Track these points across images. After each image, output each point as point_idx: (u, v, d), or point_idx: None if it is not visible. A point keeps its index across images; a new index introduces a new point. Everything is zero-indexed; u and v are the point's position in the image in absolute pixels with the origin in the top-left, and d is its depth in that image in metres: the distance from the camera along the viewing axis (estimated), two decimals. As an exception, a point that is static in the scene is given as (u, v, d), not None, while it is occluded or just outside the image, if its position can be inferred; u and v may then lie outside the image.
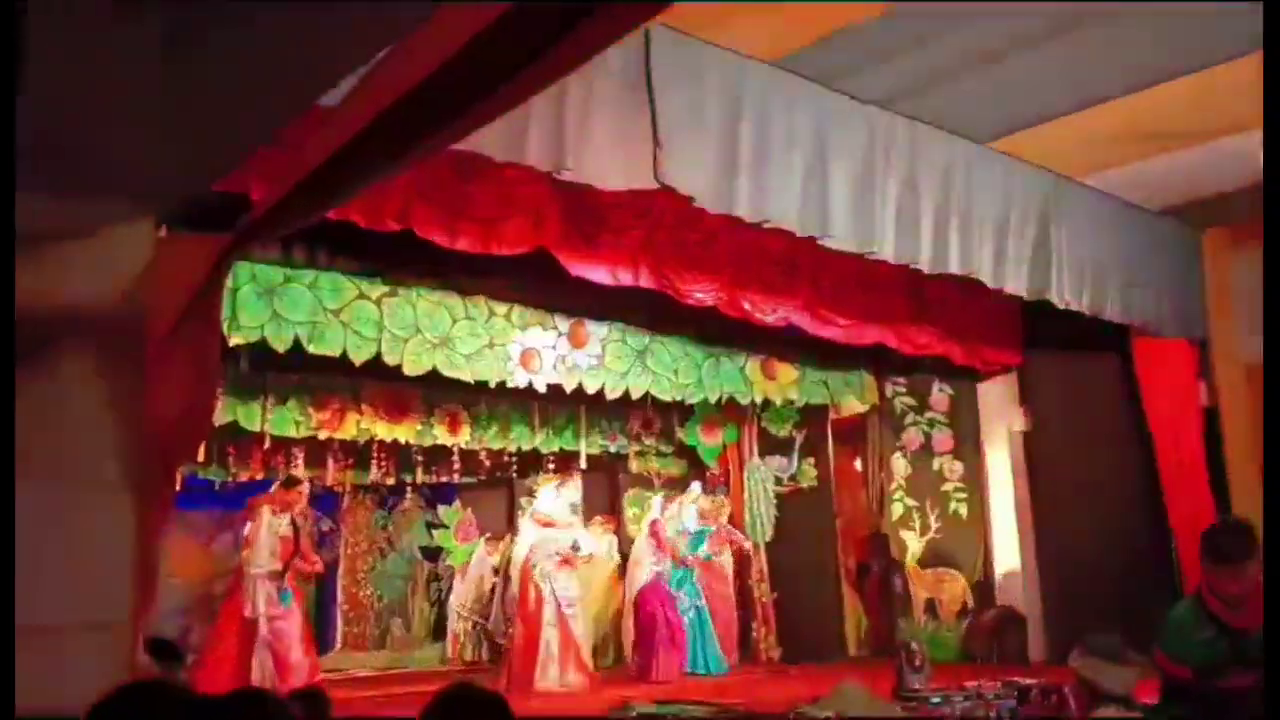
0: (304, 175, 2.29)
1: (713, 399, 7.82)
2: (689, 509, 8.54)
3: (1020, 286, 5.83)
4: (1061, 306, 5.99)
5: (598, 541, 8.66)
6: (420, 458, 9.63)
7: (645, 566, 8.14)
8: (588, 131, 4.22)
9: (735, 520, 8.94)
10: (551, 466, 9.41)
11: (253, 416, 7.37)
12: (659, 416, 9.17)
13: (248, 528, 7.19)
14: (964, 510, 8.53)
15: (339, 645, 11.13)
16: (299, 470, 8.70)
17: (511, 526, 9.80)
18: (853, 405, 8.78)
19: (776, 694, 6.44)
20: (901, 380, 8.76)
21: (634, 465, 9.68)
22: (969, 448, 8.57)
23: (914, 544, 8.61)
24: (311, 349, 5.77)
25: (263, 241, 4.31)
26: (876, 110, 5.13)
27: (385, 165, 2.35)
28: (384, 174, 2.48)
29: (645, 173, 4.32)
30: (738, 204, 4.57)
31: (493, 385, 6.71)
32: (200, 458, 7.99)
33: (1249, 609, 3.18)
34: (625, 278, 5.66)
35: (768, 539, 8.92)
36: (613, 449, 9.43)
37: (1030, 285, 5.86)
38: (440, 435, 8.41)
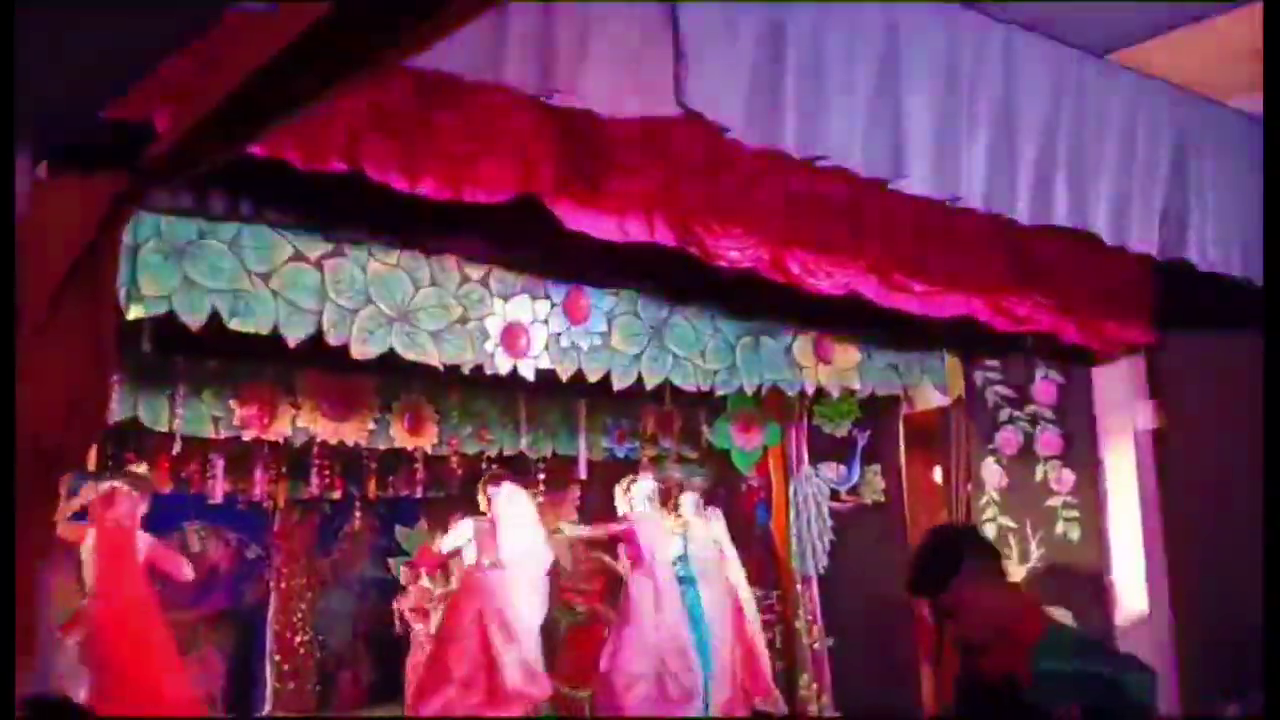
0: (221, 97, 2.28)
1: (750, 389, 7.81)
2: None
3: (1149, 243, 5.78)
4: (1204, 269, 5.94)
5: None
6: (373, 465, 9.68)
7: None
8: (588, 41, 4.20)
9: (779, 543, 8.95)
10: (542, 476, 9.44)
11: (158, 412, 7.40)
12: (680, 412, 9.18)
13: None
14: (1075, 532, 8.52)
15: (269, 707, 11.19)
16: (217, 480, 8.79)
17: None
18: (931, 397, 8.76)
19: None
20: (995, 364, 8.74)
21: (648, 473, 9.70)
22: (1082, 451, 8.55)
23: (1011, 576, 8.59)
24: (234, 325, 5.77)
25: (170, 184, 4.31)
26: (963, 11, 5.09)
27: (326, 84, 2.34)
28: (324, 95, 2.47)
29: (664, 96, 4.30)
30: (784, 136, 4.54)
31: (466, 371, 6.71)
32: (90, 464, 8.03)
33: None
34: (638, 232, 5.64)
35: (821, 569, 8.93)
36: (620, 453, 9.45)
37: (1162, 242, 5.81)
38: (399, 437, 8.44)
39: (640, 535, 8.76)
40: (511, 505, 8.39)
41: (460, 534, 8.82)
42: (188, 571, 8.69)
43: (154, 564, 8.32)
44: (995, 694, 3.25)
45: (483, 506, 8.53)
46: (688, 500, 9.24)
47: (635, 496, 8.97)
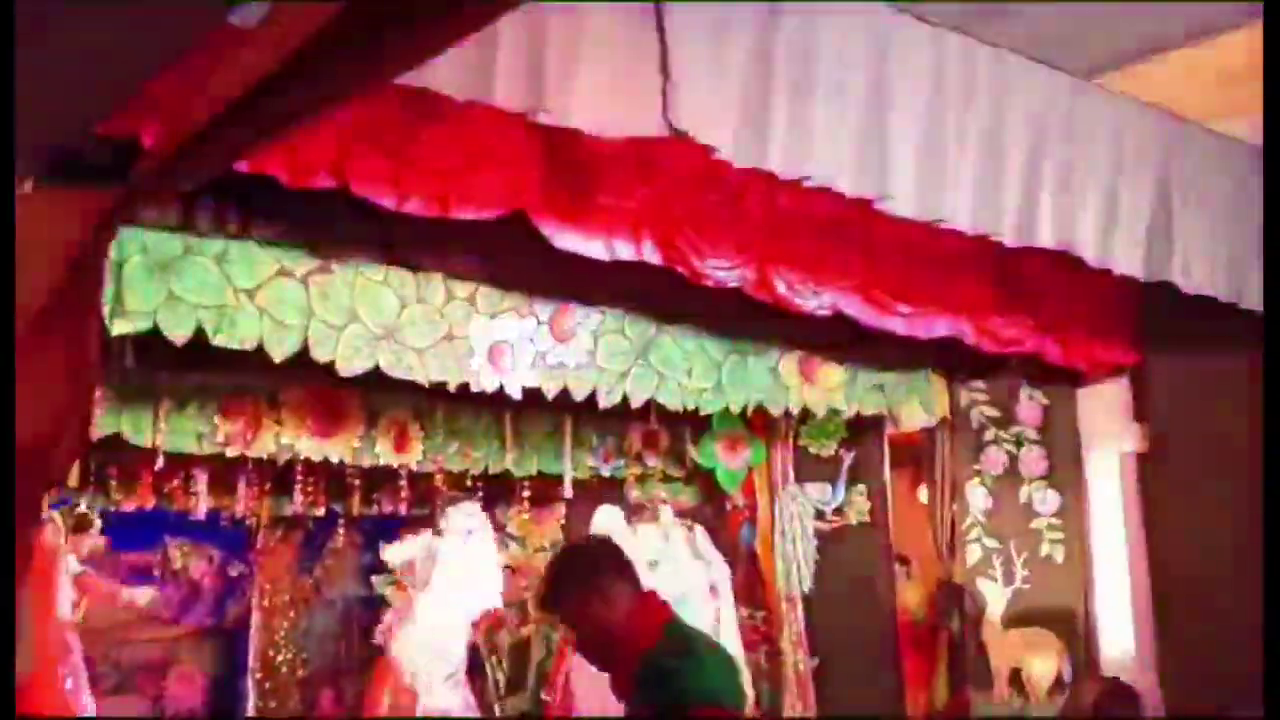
0: (209, 113, 2.28)
1: (735, 408, 7.81)
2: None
3: (1134, 264, 5.82)
4: (1189, 291, 5.98)
5: None
6: (358, 482, 9.63)
7: None
8: (575, 60, 4.21)
9: (764, 563, 8.94)
10: (526, 494, 9.42)
11: (142, 428, 7.36)
12: (666, 430, 9.17)
13: None
14: (1059, 554, 8.51)
15: (251, 724, 11.14)
16: (200, 496, 8.80)
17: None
18: (917, 417, 8.76)
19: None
20: (980, 385, 8.75)
21: (634, 492, 9.68)
22: (1067, 472, 8.55)
23: (995, 597, 8.59)
24: (218, 340, 5.75)
25: (157, 200, 4.30)
26: (951, 35, 5.12)
27: (315, 100, 2.34)
28: (313, 112, 2.48)
29: (652, 116, 4.32)
30: (770, 156, 4.57)
31: (452, 388, 6.70)
32: (73, 480, 8.01)
33: None
34: (625, 251, 5.65)
35: (806, 589, 8.92)
36: (606, 471, 9.43)
37: (1147, 263, 5.85)
38: (384, 453, 8.40)
39: None
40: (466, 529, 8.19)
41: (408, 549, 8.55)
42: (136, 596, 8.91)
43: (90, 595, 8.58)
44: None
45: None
46: (666, 513, 9.13)
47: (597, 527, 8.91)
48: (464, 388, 6.71)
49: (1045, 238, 5.46)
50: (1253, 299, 6.30)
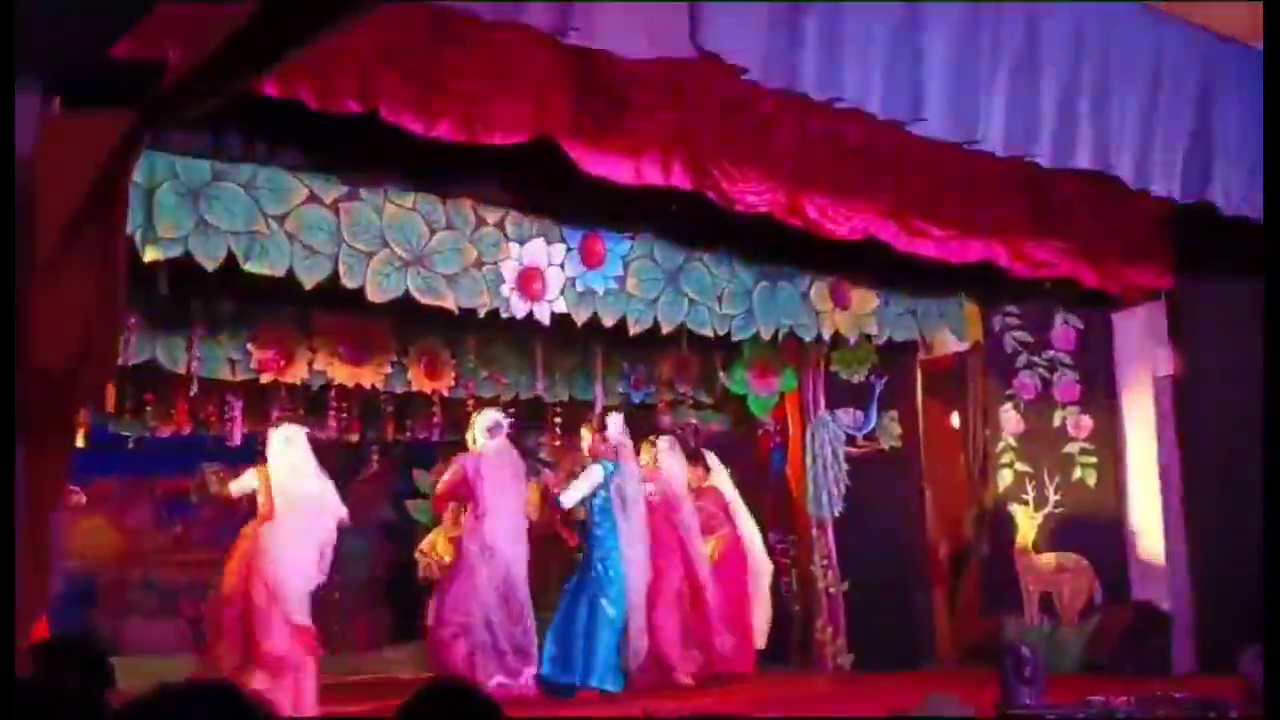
0: (233, 29, 2.26)
1: (767, 334, 7.80)
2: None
3: (1172, 186, 5.74)
4: (1228, 212, 5.90)
5: None
6: (390, 409, 9.67)
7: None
8: (605, -20, 4.16)
9: (794, 488, 8.97)
10: (558, 420, 9.44)
11: (176, 354, 7.40)
12: (697, 357, 9.16)
13: None
14: (1092, 478, 8.51)
15: (289, 646, 11.29)
16: (235, 422, 8.79)
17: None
18: (949, 342, 8.74)
19: (845, 709, 6.48)
20: (1014, 310, 8.71)
21: (665, 419, 9.69)
22: (1100, 397, 8.53)
23: (1027, 522, 8.61)
24: (249, 267, 5.77)
25: (181, 121, 4.28)
26: (986, -47, 5.03)
27: (336, 12, 2.32)
28: (334, 24, 2.45)
29: (680, 37, 4.27)
30: (802, 77, 4.51)
31: (482, 315, 6.71)
32: (109, 405, 8.06)
33: None
34: (654, 175, 5.62)
35: (837, 514, 8.95)
36: (637, 398, 9.44)
37: (1185, 185, 5.77)
38: (415, 380, 8.44)
39: (478, 478, 8.05)
40: (289, 450, 7.60)
41: (247, 481, 7.73)
42: None
43: None
44: None
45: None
46: (616, 422, 8.63)
47: (476, 430, 8.32)
48: (494, 314, 6.73)
49: (1083, 160, 5.39)
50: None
